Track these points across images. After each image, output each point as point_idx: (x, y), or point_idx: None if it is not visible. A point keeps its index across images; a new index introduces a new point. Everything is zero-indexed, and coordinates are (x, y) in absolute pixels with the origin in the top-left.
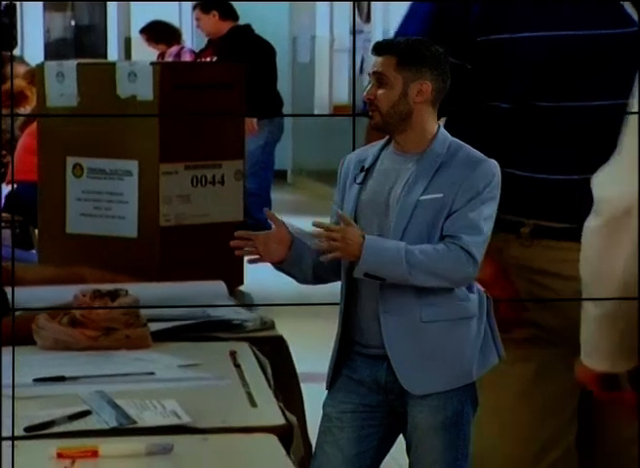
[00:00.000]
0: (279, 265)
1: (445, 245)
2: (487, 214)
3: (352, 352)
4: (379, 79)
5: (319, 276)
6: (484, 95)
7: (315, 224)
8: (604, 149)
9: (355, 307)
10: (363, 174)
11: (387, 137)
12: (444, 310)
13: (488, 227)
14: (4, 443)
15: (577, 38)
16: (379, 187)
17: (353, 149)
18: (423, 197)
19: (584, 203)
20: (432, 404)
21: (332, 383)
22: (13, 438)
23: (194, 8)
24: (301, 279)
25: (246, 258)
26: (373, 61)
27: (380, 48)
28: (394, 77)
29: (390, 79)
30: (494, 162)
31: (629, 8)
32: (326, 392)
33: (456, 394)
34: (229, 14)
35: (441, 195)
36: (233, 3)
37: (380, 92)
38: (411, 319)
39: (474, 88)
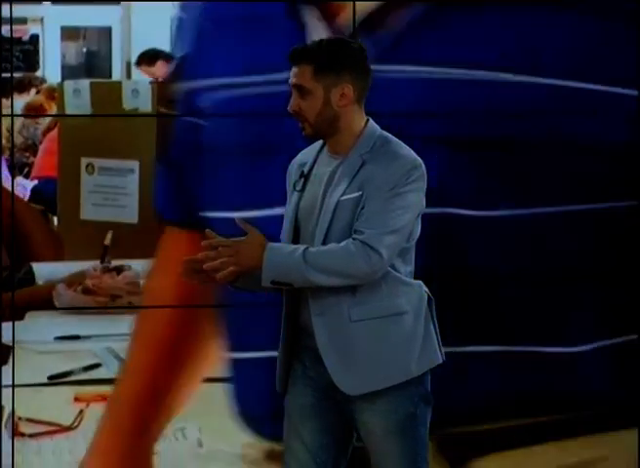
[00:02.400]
0: (234, 284)
1: (347, 241)
2: (400, 205)
3: (302, 349)
4: (298, 90)
5: None
6: None
7: (204, 244)
8: None
9: (297, 309)
10: (302, 180)
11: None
12: (373, 308)
13: (401, 219)
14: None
15: None
16: (314, 193)
17: None
18: (344, 197)
19: None
20: (382, 408)
21: (287, 379)
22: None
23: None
24: (260, 290)
25: (200, 283)
26: (291, 71)
27: (294, 57)
28: (313, 86)
29: (310, 89)
30: (414, 157)
31: None
32: None
33: (406, 396)
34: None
35: (359, 194)
36: None
37: (303, 103)
38: (339, 319)
39: None
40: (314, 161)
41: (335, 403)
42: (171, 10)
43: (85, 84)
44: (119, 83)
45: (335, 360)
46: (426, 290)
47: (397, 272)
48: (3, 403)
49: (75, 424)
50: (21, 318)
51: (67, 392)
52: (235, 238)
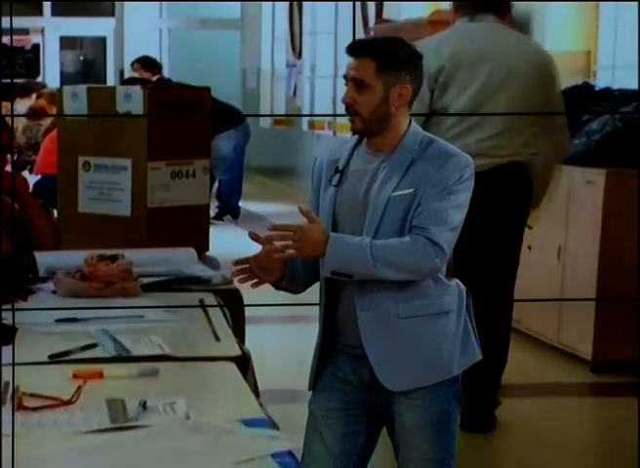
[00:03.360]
0: (279, 284)
1: (411, 237)
2: (456, 203)
3: (336, 350)
4: (357, 83)
5: (309, 283)
6: None
7: (271, 228)
8: None
9: (336, 308)
10: (338, 175)
11: (359, 137)
12: (420, 305)
13: (457, 217)
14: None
15: None
16: (354, 188)
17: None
18: (395, 193)
19: None
20: (418, 402)
21: (316, 381)
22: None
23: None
24: (297, 291)
25: (249, 283)
26: (349, 63)
27: (357, 49)
28: (374, 82)
29: (370, 84)
30: (465, 155)
31: None
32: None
33: (441, 392)
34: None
35: (412, 190)
36: None
37: (360, 97)
38: (387, 315)
39: None
40: (349, 157)
41: (363, 406)
42: (159, 22)
43: (82, 89)
44: (113, 88)
45: (379, 355)
46: (463, 287)
47: (440, 272)
48: (7, 379)
49: (74, 399)
50: (25, 300)
51: (66, 370)
52: (299, 224)
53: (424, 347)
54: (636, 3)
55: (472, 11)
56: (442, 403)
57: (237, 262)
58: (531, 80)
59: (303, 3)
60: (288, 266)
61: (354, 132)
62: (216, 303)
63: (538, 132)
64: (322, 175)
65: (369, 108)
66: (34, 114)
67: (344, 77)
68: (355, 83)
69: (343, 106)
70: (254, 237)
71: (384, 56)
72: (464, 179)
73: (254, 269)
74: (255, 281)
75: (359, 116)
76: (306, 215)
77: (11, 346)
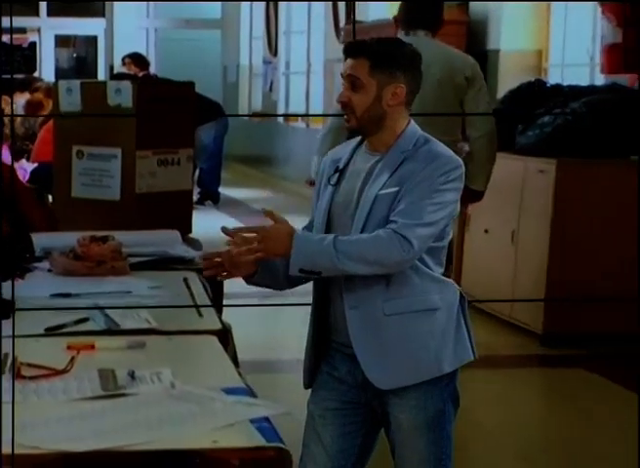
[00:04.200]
0: (251, 279)
1: (380, 231)
2: (437, 201)
3: (331, 349)
4: (352, 82)
5: (293, 280)
6: None
7: (224, 231)
8: None
9: (328, 306)
10: (337, 175)
11: (361, 137)
12: (406, 303)
13: (437, 215)
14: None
15: None
16: (350, 188)
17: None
18: (382, 192)
19: None
20: (413, 403)
21: (312, 380)
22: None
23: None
24: (277, 287)
25: (218, 277)
26: (345, 63)
27: (351, 50)
28: (368, 81)
29: (364, 83)
30: (456, 157)
31: None
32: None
33: (436, 392)
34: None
35: (397, 189)
36: None
37: (354, 95)
38: (373, 313)
39: None
40: (350, 157)
41: (361, 406)
42: (146, 22)
43: (76, 84)
44: (104, 83)
45: (367, 353)
46: (459, 288)
47: (430, 270)
48: (7, 351)
49: (68, 369)
50: (22, 278)
51: (61, 342)
52: (262, 226)
53: (410, 344)
54: (584, 4)
55: (407, 26)
56: (437, 403)
57: (205, 257)
58: (445, 85)
59: (279, 4)
60: (260, 263)
61: (349, 130)
62: (198, 280)
63: (456, 122)
64: (324, 175)
65: (362, 107)
66: (33, 115)
67: (341, 75)
68: (350, 82)
69: (317, 100)
70: (225, 231)
71: (378, 55)
72: (451, 180)
73: (224, 263)
74: (224, 274)
75: (354, 114)
76: (270, 216)
77: (11, 320)
